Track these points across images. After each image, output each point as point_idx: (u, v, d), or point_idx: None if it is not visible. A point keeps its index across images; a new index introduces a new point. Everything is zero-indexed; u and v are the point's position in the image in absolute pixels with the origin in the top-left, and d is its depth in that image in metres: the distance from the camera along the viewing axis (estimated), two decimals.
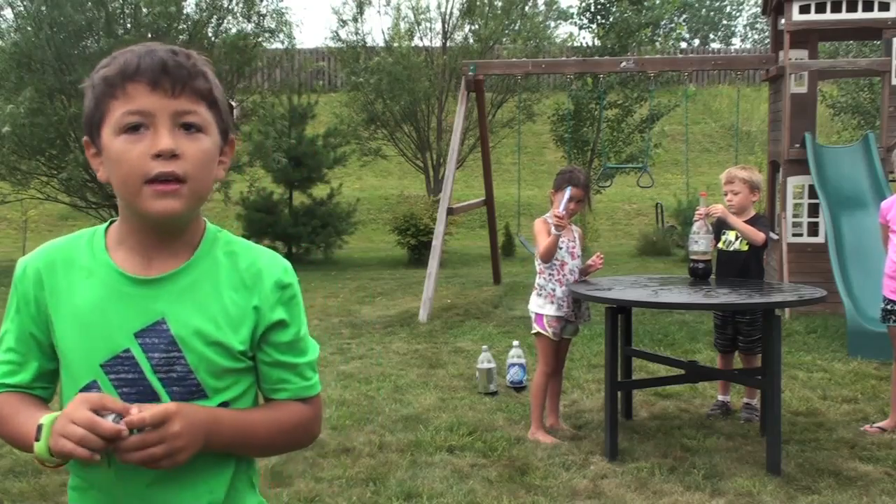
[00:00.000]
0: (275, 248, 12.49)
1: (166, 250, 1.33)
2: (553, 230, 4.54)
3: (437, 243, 8.71)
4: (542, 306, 4.65)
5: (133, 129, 1.24)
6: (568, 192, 4.58)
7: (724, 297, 4.31)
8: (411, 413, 5.03)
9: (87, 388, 1.31)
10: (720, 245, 4.97)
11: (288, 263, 1.41)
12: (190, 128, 1.27)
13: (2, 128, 11.24)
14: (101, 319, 1.31)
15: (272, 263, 1.38)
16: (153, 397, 1.30)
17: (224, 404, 1.35)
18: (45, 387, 1.40)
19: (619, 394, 4.62)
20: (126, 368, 1.30)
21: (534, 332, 4.71)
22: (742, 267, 4.86)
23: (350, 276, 11.53)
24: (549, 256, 4.60)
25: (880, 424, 4.70)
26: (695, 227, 4.78)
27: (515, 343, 5.84)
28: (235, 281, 1.35)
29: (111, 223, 1.38)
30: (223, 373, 1.35)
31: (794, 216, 8.73)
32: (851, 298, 6.95)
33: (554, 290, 4.61)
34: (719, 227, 4.95)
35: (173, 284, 1.33)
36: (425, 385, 5.69)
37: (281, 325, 1.37)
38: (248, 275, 1.36)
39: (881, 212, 4.90)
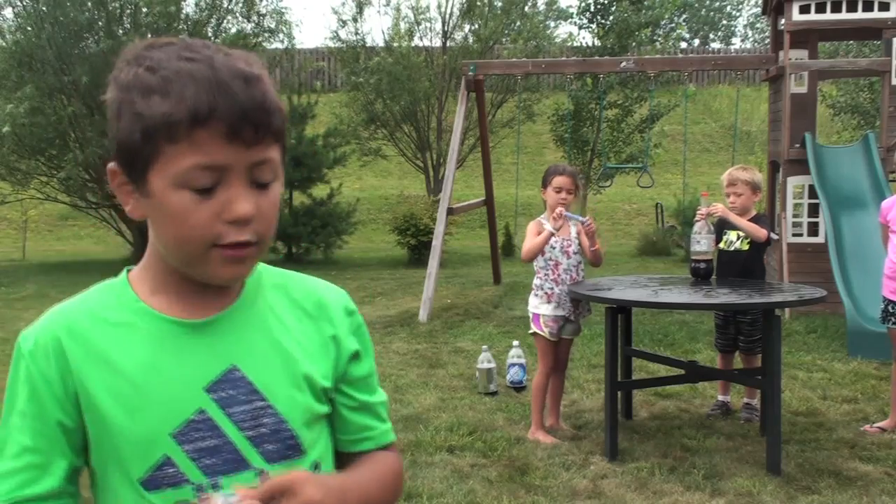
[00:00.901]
0: (275, 248, 12.45)
1: (213, 291, 1.10)
2: (546, 225, 4.57)
3: (437, 243, 8.71)
4: (538, 306, 4.65)
5: (203, 189, 1.00)
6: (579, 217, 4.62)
7: (724, 297, 4.31)
8: (411, 413, 5.03)
9: (157, 469, 1.04)
10: (721, 245, 4.97)
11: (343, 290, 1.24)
12: (264, 186, 1.04)
13: (2, 127, 11.24)
14: (160, 379, 1.05)
15: (331, 289, 1.21)
16: (242, 464, 1.07)
17: (316, 465, 1.13)
18: (73, 492, 1.10)
19: (619, 394, 4.62)
20: (204, 434, 1.05)
21: (531, 331, 4.72)
22: (744, 267, 4.86)
23: (350, 276, 11.53)
24: (531, 257, 4.61)
25: (880, 424, 4.70)
26: (696, 228, 4.78)
27: (515, 343, 5.84)
28: (297, 312, 1.16)
29: (129, 271, 1.14)
30: (314, 420, 1.14)
31: (794, 216, 8.73)
32: (851, 298, 6.95)
33: (552, 289, 4.60)
34: (721, 227, 4.96)
35: (233, 322, 1.10)
36: (425, 385, 5.69)
37: (357, 357, 1.19)
38: (310, 304, 1.17)
39: (881, 212, 4.90)
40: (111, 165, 1.06)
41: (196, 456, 1.05)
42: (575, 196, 4.70)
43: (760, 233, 4.75)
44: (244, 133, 0.99)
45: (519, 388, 5.59)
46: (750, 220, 4.84)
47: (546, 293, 4.61)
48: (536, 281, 4.68)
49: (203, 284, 1.09)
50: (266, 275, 1.18)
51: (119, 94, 1.02)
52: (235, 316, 1.11)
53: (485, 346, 5.78)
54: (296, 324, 1.15)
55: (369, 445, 1.21)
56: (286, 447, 1.09)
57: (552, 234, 4.58)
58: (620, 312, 4.60)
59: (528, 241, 4.64)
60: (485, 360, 5.56)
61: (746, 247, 4.86)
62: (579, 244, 4.70)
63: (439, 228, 8.85)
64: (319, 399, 1.14)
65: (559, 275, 4.61)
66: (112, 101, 1.03)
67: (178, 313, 1.08)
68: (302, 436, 1.11)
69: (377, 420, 1.22)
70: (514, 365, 5.66)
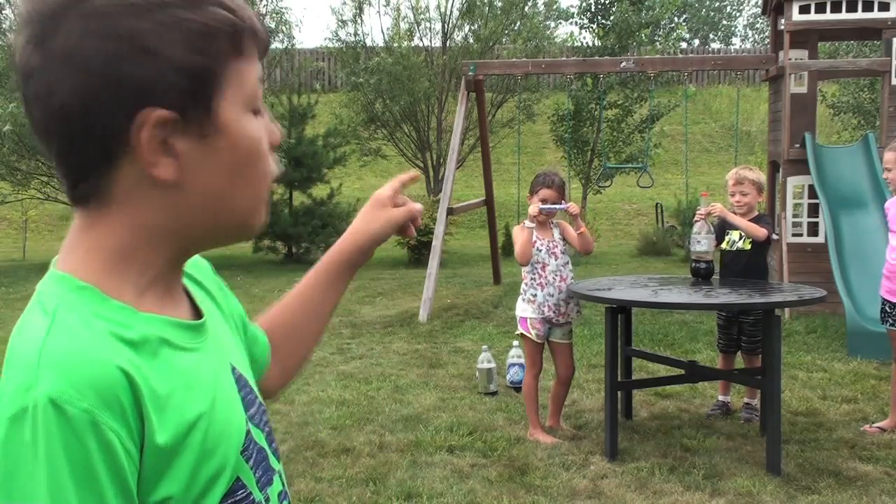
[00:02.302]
0: (275, 248, 12.44)
1: (178, 282, 0.92)
2: (526, 223, 4.62)
3: (437, 243, 8.72)
4: (524, 309, 4.68)
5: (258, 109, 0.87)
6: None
7: (724, 296, 4.32)
8: (411, 413, 5.03)
9: (231, 494, 0.85)
10: (724, 245, 4.97)
11: None
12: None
13: (3, 127, 11.24)
14: (221, 394, 0.87)
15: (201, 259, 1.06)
16: (272, 471, 0.94)
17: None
18: None
19: (619, 394, 4.62)
20: (253, 446, 0.90)
21: (518, 332, 4.77)
22: (746, 266, 4.86)
23: None
24: (524, 258, 4.64)
25: (880, 424, 4.71)
26: (696, 228, 4.79)
27: (515, 343, 5.83)
28: (212, 290, 1.02)
29: (72, 278, 0.83)
30: None
31: (794, 216, 8.73)
32: (851, 298, 6.95)
33: (535, 294, 4.64)
34: (723, 226, 4.96)
35: (208, 318, 0.94)
36: (425, 385, 5.69)
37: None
38: (207, 276, 1.03)
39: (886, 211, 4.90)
40: (152, 113, 0.78)
41: (256, 472, 0.89)
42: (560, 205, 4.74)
43: (760, 232, 4.75)
44: (264, 52, 0.88)
45: (519, 388, 5.59)
46: (752, 219, 4.84)
47: (530, 298, 4.65)
48: (523, 285, 4.73)
49: (177, 273, 0.90)
50: None
51: (140, 24, 0.77)
52: (204, 306, 0.95)
53: (485, 346, 5.78)
54: (221, 303, 1.01)
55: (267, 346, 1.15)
56: (273, 440, 0.98)
57: (532, 230, 4.63)
58: (620, 312, 4.60)
59: (517, 245, 4.67)
60: (485, 360, 5.56)
61: (748, 246, 4.87)
62: (565, 243, 4.74)
63: (439, 228, 8.85)
64: None
65: (546, 277, 4.63)
66: (126, 36, 0.77)
67: (172, 313, 0.86)
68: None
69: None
70: (514, 365, 5.66)
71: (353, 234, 1.21)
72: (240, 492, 0.86)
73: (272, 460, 0.94)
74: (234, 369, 0.93)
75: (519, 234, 4.68)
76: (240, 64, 0.83)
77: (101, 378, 0.72)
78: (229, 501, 0.84)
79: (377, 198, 1.21)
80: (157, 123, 0.79)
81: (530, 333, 4.64)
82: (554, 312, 4.63)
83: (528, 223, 4.67)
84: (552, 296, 4.62)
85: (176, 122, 0.80)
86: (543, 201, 4.64)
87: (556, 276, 4.64)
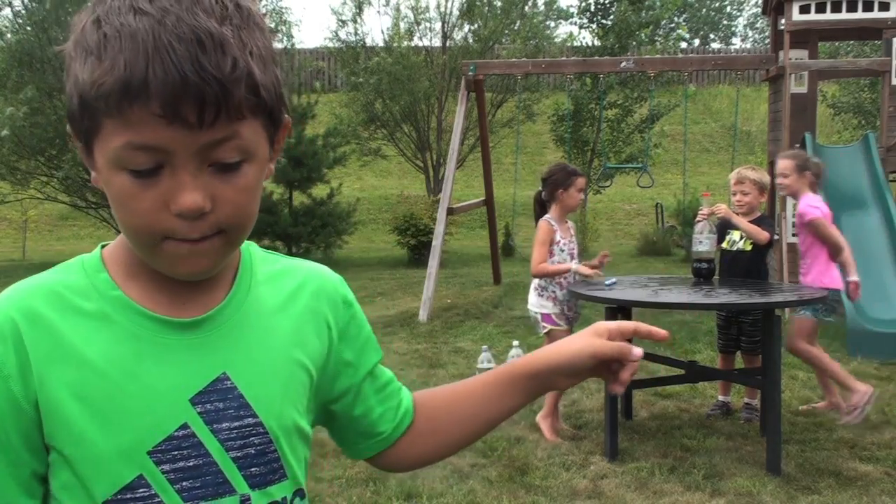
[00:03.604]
0: (275, 248, 12.49)
1: (198, 283, 0.94)
2: (575, 265, 4.62)
3: (437, 243, 8.71)
4: (543, 305, 4.66)
5: (142, 172, 0.83)
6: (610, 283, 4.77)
7: (724, 297, 4.31)
8: None
9: (127, 489, 0.88)
10: (724, 245, 4.96)
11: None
12: (228, 167, 0.85)
13: (1, 130, 11.24)
14: (140, 387, 0.88)
15: (328, 277, 1.07)
16: (225, 489, 0.91)
17: (298, 492, 0.99)
18: None
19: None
20: (186, 452, 0.90)
21: (545, 331, 4.70)
22: (746, 267, 4.86)
23: (350, 276, 11.49)
24: (542, 275, 4.62)
25: (818, 405, 4.99)
26: (698, 228, 4.79)
27: (515, 343, 5.84)
28: (295, 308, 1.01)
29: (103, 247, 0.96)
30: (299, 441, 0.99)
31: (794, 216, 8.73)
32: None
33: (555, 292, 4.63)
34: (724, 227, 4.95)
35: (224, 322, 0.94)
36: (425, 385, 5.69)
37: (350, 364, 1.08)
38: (307, 295, 1.02)
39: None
40: (68, 128, 0.90)
41: (174, 477, 0.89)
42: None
43: (762, 235, 4.75)
44: (184, 113, 0.79)
45: None
46: (754, 220, 4.84)
47: (551, 295, 4.63)
48: (541, 282, 4.68)
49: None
50: (259, 262, 1.01)
51: (69, 48, 0.86)
52: (226, 314, 0.94)
53: (485, 346, 5.78)
54: (293, 323, 0.99)
55: (408, 419, 1.11)
56: (271, 471, 0.94)
57: (567, 270, 4.62)
58: (620, 312, 4.60)
59: (542, 250, 4.61)
60: (485, 360, 5.56)
61: (749, 247, 4.86)
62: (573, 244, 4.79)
63: (439, 228, 8.85)
64: (307, 416, 1.00)
65: (566, 276, 4.64)
66: (65, 54, 0.87)
67: (161, 308, 0.91)
68: (288, 459, 0.96)
69: (397, 393, 1.11)
70: None
71: (550, 348, 1.07)
72: (140, 490, 0.88)
73: (235, 481, 0.92)
74: (224, 378, 0.92)
75: (546, 231, 4.64)
76: (109, 122, 0.82)
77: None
78: (122, 495, 0.88)
79: (598, 325, 1.04)
80: (72, 136, 0.90)
81: (560, 325, 4.63)
82: (572, 312, 4.68)
83: (575, 265, 4.62)
84: (565, 294, 4.64)
85: (76, 138, 0.88)
86: (580, 190, 4.68)
87: (574, 275, 4.68)
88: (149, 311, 0.91)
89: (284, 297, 1.00)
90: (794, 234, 8.55)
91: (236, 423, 0.92)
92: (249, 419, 0.93)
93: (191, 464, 0.90)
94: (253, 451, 0.93)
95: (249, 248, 1.01)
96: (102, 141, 0.84)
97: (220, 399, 0.91)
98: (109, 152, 0.83)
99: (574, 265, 4.64)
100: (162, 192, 0.83)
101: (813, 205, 4.82)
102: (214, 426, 0.91)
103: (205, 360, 0.91)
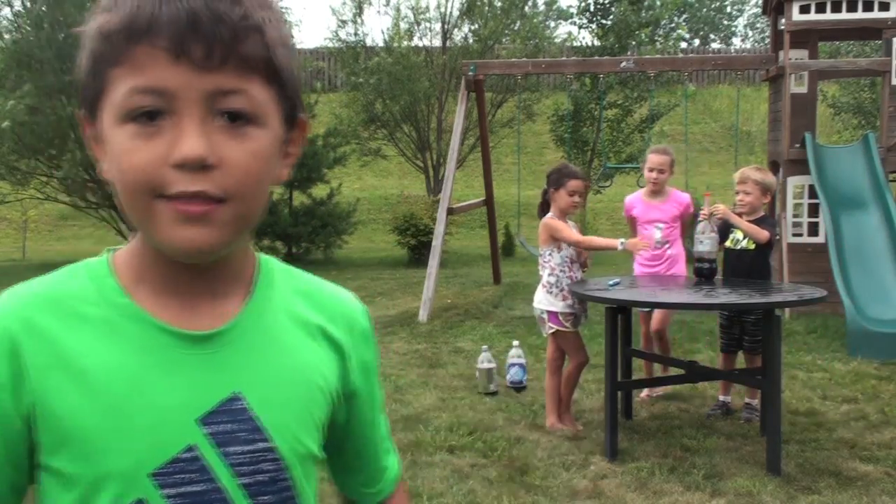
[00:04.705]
0: (275, 248, 12.41)
1: (210, 290, 0.89)
2: (619, 245, 4.71)
3: (437, 243, 8.71)
4: (552, 303, 4.65)
5: (145, 116, 0.79)
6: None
7: (724, 297, 4.31)
8: (411, 413, 5.03)
9: None
10: (728, 244, 4.95)
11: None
12: (236, 118, 0.81)
13: (1, 123, 11.25)
14: (144, 403, 0.83)
15: (352, 303, 1.02)
16: None
17: None
18: None
19: (619, 394, 4.62)
20: (191, 476, 0.84)
21: (551, 332, 4.70)
22: (749, 266, 4.85)
23: (350, 276, 11.52)
24: (590, 247, 4.77)
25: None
26: (699, 228, 4.79)
27: (515, 343, 5.83)
28: (314, 328, 0.96)
29: (113, 251, 0.92)
30: (312, 468, 0.94)
31: (794, 216, 8.73)
32: (851, 298, 6.95)
33: (566, 287, 4.63)
34: (727, 225, 4.95)
35: (239, 336, 0.89)
36: (425, 385, 5.69)
37: (356, 395, 1.01)
38: (325, 318, 0.97)
39: (626, 206, 5.42)
40: (80, 111, 0.87)
41: (178, 503, 0.84)
42: (583, 200, 4.78)
43: (761, 235, 4.74)
44: (192, 49, 0.77)
45: (519, 388, 5.59)
46: (756, 220, 4.83)
47: (563, 291, 4.62)
48: (550, 278, 4.66)
49: (196, 275, 0.88)
50: (280, 276, 0.96)
51: (85, 30, 0.84)
52: (241, 328, 0.89)
53: (485, 346, 5.77)
54: (311, 345, 0.94)
55: (389, 489, 1.08)
56: (282, 500, 0.89)
57: (615, 246, 4.73)
58: (620, 312, 4.60)
59: (568, 231, 4.64)
60: (485, 360, 5.56)
61: (753, 246, 4.85)
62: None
63: (439, 228, 8.85)
64: (321, 442, 0.95)
65: (573, 273, 4.66)
66: (82, 35, 0.84)
67: (171, 317, 0.86)
68: (301, 487, 0.91)
69: (390, 455, 1.08)
70: (514, 365, 5.65)
71: None
72: None
73: None
74: (236, 399, 0.87)
75: (563, 225, 4.66)
76: (115, 72, 0.80)
77: None
78: None
79: None
80: (82, 123, 0.87)
81: (566, 326, 4.63)
82: (580, 309, 4.69)
83: (622, 244, 4.71)
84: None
85: (90, 124, 0.85)
86: (573, 193, 4.64)
87: (578, 273, 4.72)
88: (158, 322, 0.85)
89: (305, 317, 0.95)
90: (794, 234, 8.57)
91: (247, 448, 0.86)
92: (261, 444, 0.87)
93: (196, 489, 0.84)
94: (264, 479, 0.87)
95: (269, 262, 0.96)
96: (108, 98, 0.81)
97: (230, 420, 0.86)
98: (114, 105, 0.80)
99: (622, 241, 4.73)
100: (164, 144, 0.79)
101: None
102: (223, 449, 0.85)
103: (216, 378, 0.86)
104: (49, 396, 0.82)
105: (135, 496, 0.82)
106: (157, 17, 0.77)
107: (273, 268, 0.96)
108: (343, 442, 1.02)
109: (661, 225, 5.24)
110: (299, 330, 0.93)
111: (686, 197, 5.43)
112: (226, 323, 0.88)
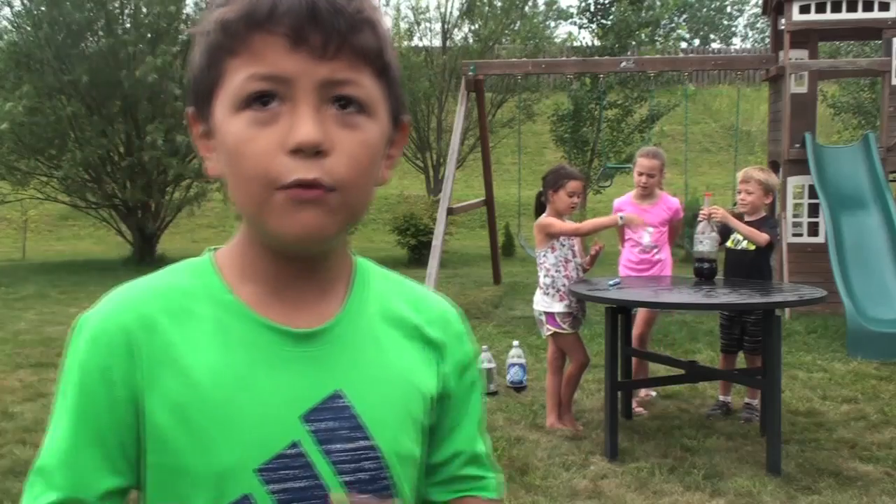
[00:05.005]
0: None
1: (312, 288, 0.90)
2: (620, 220, 4.81)
3: (437, 243, 8.71)
4: (550, 304, 4.64)
5: (260, 100, 0.81)
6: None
7: (724, 297, 4.31)
8: None
9: None
10: (729, 243, 4.95)
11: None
12: (348, 105, 0.83)
13: (0, 124, 11.25)
14: (252, 399, 0.85)
15: (448, 307, 1.02)
16: None
17: None
18: None
19: (619, 394, 4.62)
20: (295, 472, 0.85)
21: (549, 333, 4.70)
22: (750, 266, 4.85)
23: None
24: (590, 229, 4.85)
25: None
26: (699, 228, 4.79)
27: (515, 343, 5.83)
28: (413, 330, 0.96)
29: (214, 251, 0.94)
30: (412, 468, 0.94)
31: (794, 216, 8.73)
32: (851, 298, 6.95)
33: (564, 285, 4.63)
34: (727, 226, 4.95)
35: (341, 335, 0.90)
36: None
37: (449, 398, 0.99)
38: (424, 320, 0.97)
39: (615, 209, 5.34)
40: (189, 109, 0.90)
41: (283, 499, 0.84)
42: (581, 200, 4.78)
43: (760, 237, 4.74)
44: (311, 36, 0.80)
45: (519, 388, 5.59)
46: (757, 220, 4.83)
47: (560, 291, 4.61)
48: (546, 279, 4.66)
49: (299, 272, 0.89)
50: (376, 277, 0.97)
51: (199, 28, 0.86)
52: (342, 326, 0.90)
53: (485, 346, 5.77)
54: (410, 346, 0.94)
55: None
56: (380, 498, 0.89)
57: (615, 223, 4.87)
58: (620, 312, 4.60)
59: (563, 224, 4.64)
60: (485, 360, 5.55)
61: (753, 246, 4.85)
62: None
63: (439, 228, 8.84)
64: (421, 443, 0.94)
65: (570, 273, 4.64)
66: (193, 40, 0.87)
67: (275, 315, 0.88)
68: (401, 486, 0.91)
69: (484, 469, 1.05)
70: (514, 365, 5.65)
71: None
72: None
73: None
74: (338, 396, 0.88)
75: (555, 221, 4.66)
76: (232, 62, 0.82)
77: (108, 324, 0.86)
78: None
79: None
80: (191, 121, 0.89)
81: (564, 328, 4.62)
82: (577, 310, 4.68)
83: (622, 217, 4.83)
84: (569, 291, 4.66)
85: (200, 120, 0.87)
86: (571, 194, 4.64)
87: (576, 273, 4.70)
88: (263, 319, 0.87)
89: (402, 317, 0.95)
90: (794, 235, 8.57)
91: (349, 446, 0.87)
92: (363, 441, 0.88)
93: (299, 485, 0.85)
94: (365, 477, 0.88)
95: (366, 263, 0.98)
96: (223, 88, 0.83)
97: (332, 418, 0.87)
98: (230, 94, 0.82)
99: (621, 215, 4.82)
100: (279, 131, 0.81)
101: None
102: (326, 446, 0.86)
103: (319, 376, 0.87)
104: (157, 393, 0.84)
105: (241, 491, 0.84)
106: (277, 6, 0.80)
107: (369, 269, 0.97)
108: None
109: (650, 229, 5.17)
110: (396, 330, 0.94)
111: (675, 201, 5.34)
112: (327, 321, 0.90)
